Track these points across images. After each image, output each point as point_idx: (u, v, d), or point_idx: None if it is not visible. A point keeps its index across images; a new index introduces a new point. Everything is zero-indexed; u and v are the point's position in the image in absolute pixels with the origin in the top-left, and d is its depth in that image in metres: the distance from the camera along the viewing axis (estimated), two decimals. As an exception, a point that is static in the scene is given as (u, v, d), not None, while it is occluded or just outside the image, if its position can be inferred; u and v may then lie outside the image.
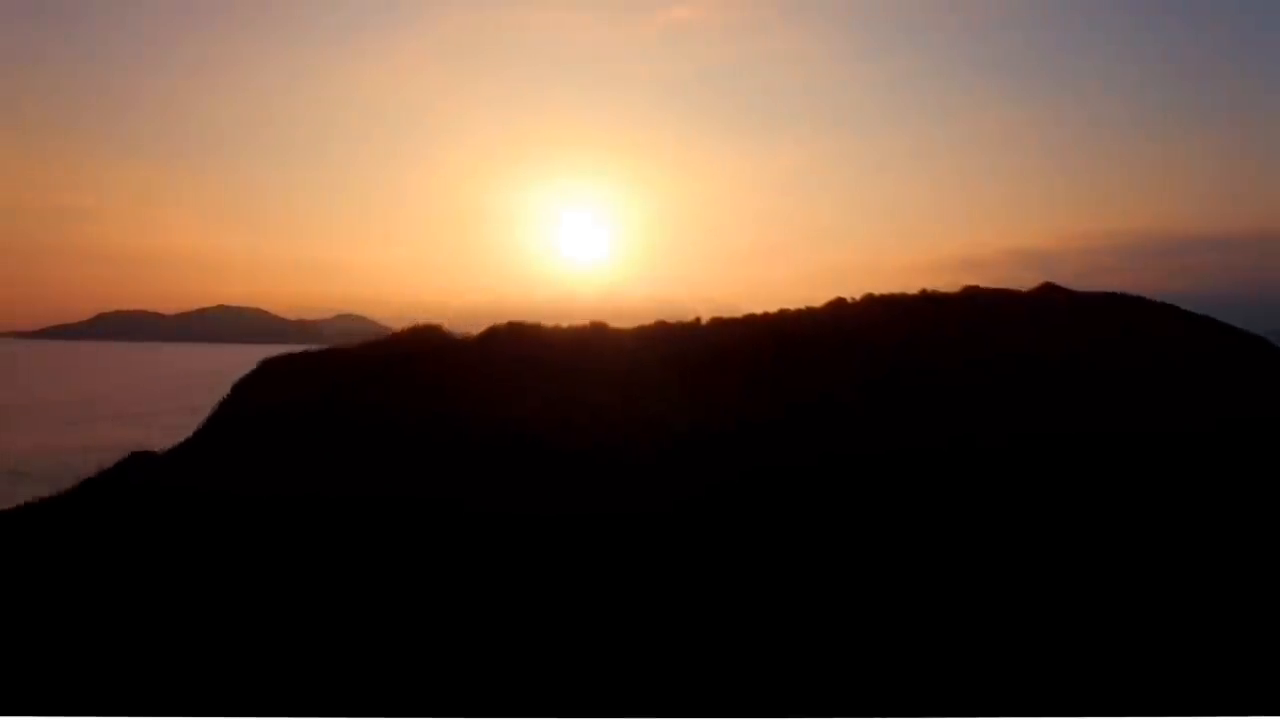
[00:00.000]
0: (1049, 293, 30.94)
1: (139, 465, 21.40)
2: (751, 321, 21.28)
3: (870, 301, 26.11)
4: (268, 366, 25.54)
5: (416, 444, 17.63)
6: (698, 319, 20.95)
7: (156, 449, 24.62)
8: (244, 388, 24.82)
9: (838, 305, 25.31)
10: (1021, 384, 21.81)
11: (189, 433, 25.09)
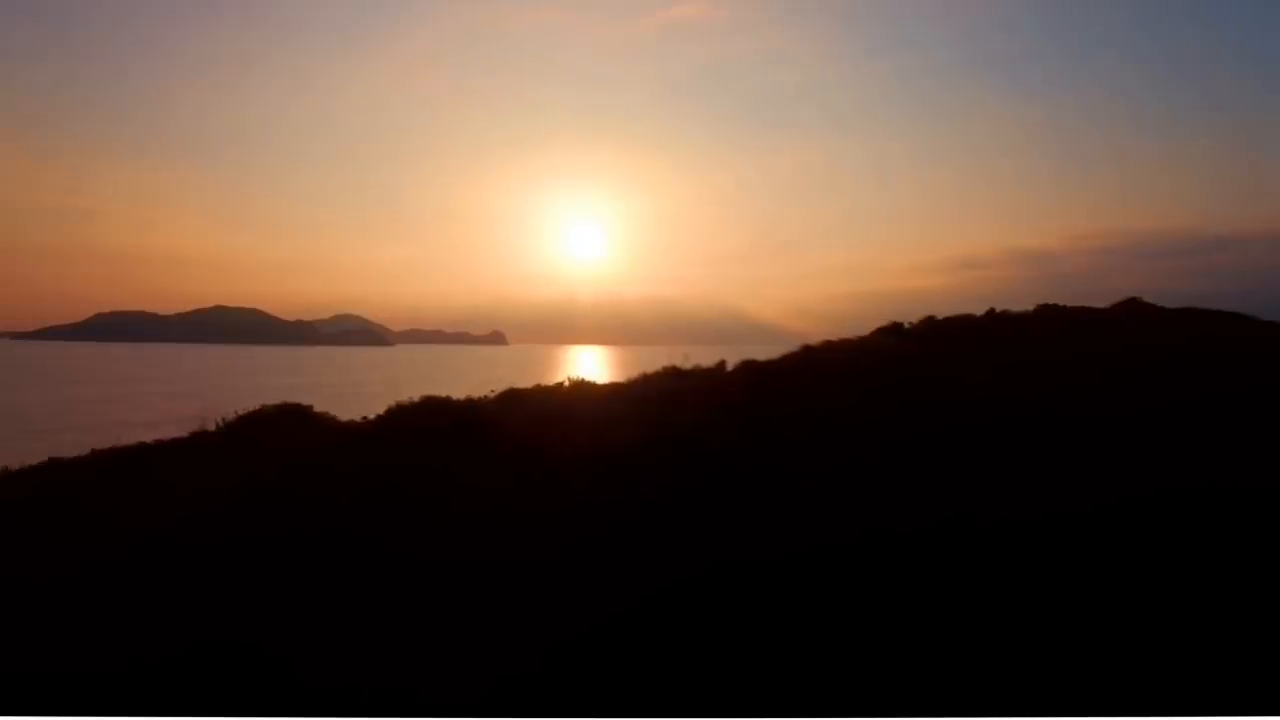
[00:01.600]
0: (1134, 309, 25.87)
1: None
2: (791, 367, 15.69)
3: (930, 327, 20.91)
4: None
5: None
6: (722, 363, 15.39)
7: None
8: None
9: (894, 333, 20.10)
10: (1143, 436, 16.58)
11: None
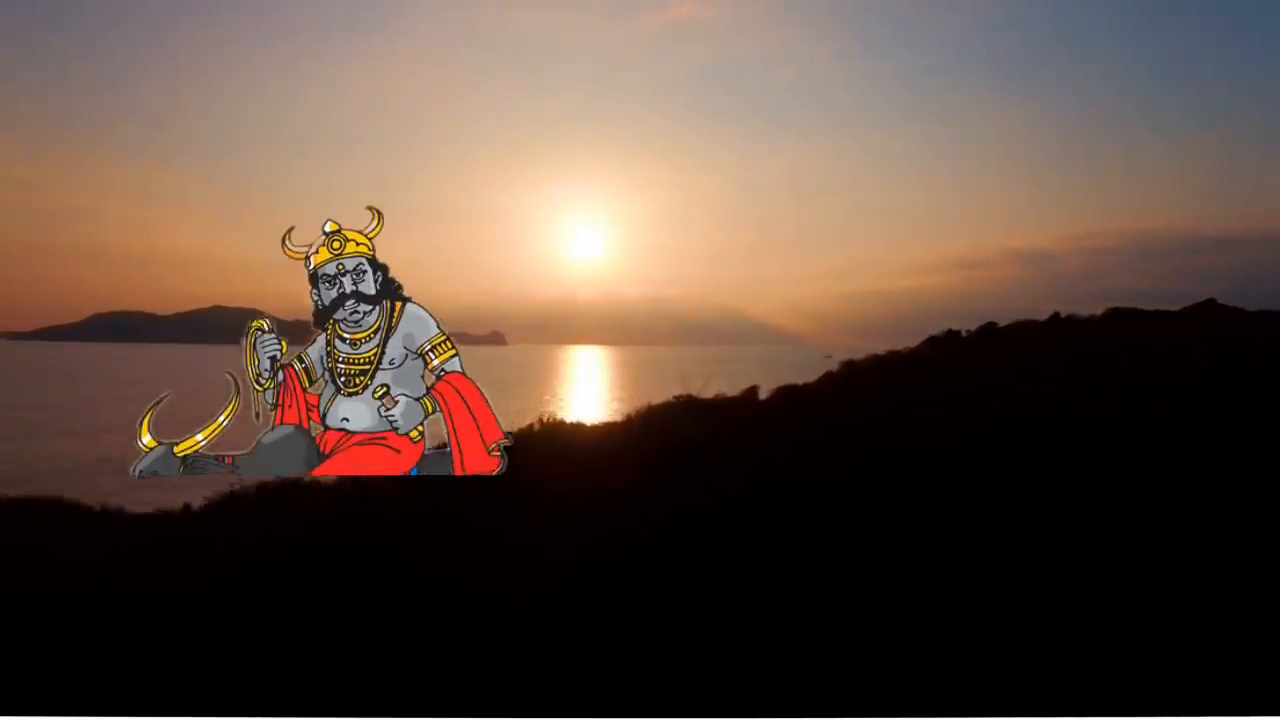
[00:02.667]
0: (1212, 314, 22.57)
1: None
2: (838, 394, 12.11)
3: (987, 334, 17.62)
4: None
5: None
6: (754, 389, 11.84)
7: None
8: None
9: (951, 345, 16.82)
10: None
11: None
